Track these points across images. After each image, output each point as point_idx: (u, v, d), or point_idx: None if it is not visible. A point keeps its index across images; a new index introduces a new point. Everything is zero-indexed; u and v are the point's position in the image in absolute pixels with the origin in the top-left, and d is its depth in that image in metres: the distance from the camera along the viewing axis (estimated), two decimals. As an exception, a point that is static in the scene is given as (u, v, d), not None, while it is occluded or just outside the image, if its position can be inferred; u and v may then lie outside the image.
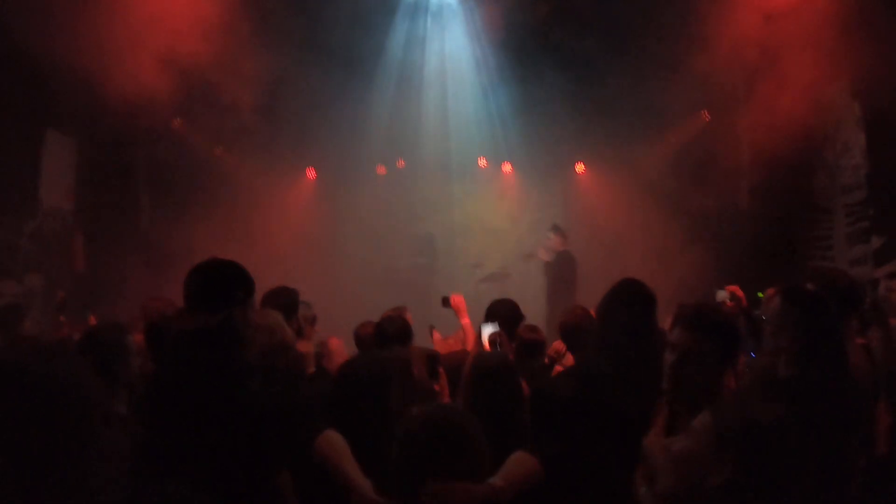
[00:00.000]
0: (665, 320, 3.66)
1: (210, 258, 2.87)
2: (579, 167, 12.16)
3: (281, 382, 3.04)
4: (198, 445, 2.56)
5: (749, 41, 7.93)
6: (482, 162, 12.32)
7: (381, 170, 12.22)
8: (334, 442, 2.76)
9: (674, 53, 8.55)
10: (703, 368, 2.63)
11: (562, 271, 9.60)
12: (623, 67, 9.64)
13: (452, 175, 12.21)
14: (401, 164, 12.22)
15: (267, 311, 3.58)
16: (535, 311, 4.71)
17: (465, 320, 5.05)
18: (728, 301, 4.56)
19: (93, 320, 5.95)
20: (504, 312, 4.37)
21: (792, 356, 3.06)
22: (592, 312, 4.74)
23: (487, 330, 4.05)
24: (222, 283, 2.81)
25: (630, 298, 3.32)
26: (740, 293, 4.58)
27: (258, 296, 3.16)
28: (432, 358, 4.41)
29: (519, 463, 2.69)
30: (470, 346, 4.69)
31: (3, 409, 1.85)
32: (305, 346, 4.49)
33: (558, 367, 3.87)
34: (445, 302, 5.24)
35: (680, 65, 8.47)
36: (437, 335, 5.47)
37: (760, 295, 5.57)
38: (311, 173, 12.22)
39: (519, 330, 4.47)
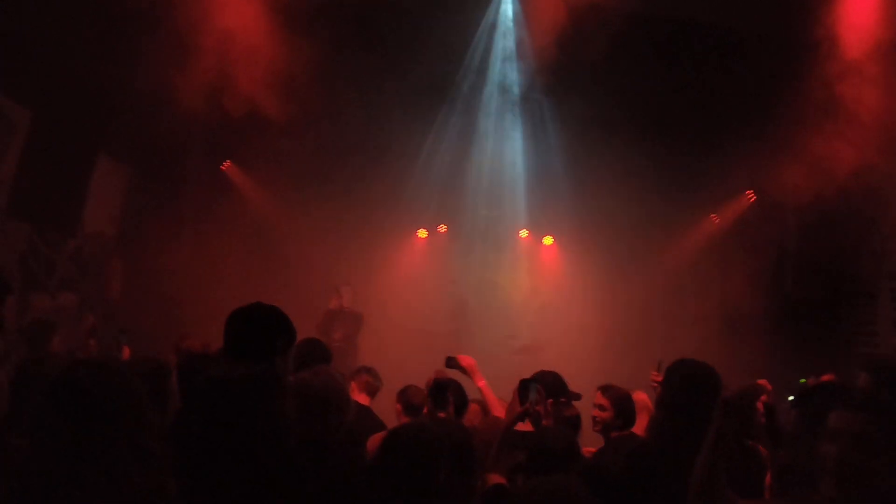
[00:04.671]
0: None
1: (254, 303, 2.80)
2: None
3: (330, 454, 2.80)
4: (216, 496, 2.38)
5: (795, 124, 7.84)
6: (524, 233, 12.27)
7: (422, 233, 12.27)
8: None
9: (720, 134, 8.64)
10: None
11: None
12: (670, 146, 9.69)
13: (493, 243, 12.14)
14: (442, 229, 12.27)
15: (326, 369, 3.34)
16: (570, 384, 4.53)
17: (481, 382, 4.58)
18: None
19: (126, 351, 5.87)
20: (548, 384, 4.18)
21: None
22: (639, 393, 4.64)
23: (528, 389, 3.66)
24: (264, 330, 2.73)
25: (692, 380, 3.18)
26: (769, 387, 4.45)
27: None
28: (442, 385, 4.37)
29: None
30: (494, 408, 4.45)
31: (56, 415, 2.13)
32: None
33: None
34: (451, 362, 4.68)
35: (726, 145, 8.51)
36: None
37: (803, 381, 5.42)
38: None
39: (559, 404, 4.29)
